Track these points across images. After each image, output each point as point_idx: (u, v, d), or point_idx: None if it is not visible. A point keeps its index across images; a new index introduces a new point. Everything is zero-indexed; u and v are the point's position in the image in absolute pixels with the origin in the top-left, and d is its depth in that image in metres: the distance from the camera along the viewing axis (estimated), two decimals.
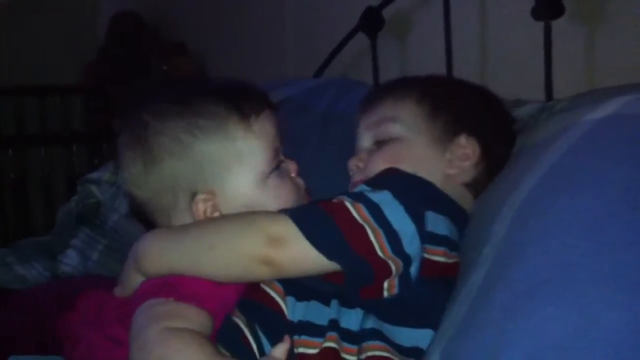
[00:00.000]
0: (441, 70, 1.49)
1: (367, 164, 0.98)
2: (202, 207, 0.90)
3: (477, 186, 0.96)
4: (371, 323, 0.83)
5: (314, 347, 0.83)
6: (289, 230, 0.81)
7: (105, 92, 2.75)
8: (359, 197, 0.84)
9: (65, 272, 1.53)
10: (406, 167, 0.93)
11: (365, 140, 1.01)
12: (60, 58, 3.03)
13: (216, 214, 0.90)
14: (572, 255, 0.70)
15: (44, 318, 0.97)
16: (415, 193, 0.87)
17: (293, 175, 0.97)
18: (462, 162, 0.96)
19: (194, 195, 0.90)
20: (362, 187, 0.87)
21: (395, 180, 0.88)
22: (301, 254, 0.81)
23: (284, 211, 0.85)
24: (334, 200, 0.85)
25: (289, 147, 0.99)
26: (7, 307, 1.06)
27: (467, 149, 0.96)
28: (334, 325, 0.84)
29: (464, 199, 0.95)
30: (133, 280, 0.89)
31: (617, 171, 0.75)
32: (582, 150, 0.81)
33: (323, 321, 0.84)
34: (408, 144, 0.97)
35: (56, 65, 3.01)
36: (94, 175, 1.63)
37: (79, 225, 1.59)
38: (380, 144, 0.98)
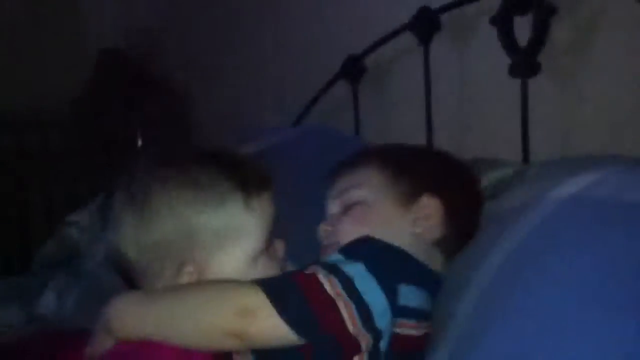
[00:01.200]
0: (421, 119, 1.51)
1: (336, 228, 1.00)
2: (187, 278, 0.89)
3: (447, 245, 0.98)
4: None
5: None
6: (260, 303, 0.81)
7: (91, 127, 2.75)
8: (332, 269, 0.84)
9: (42, 315, 1.52)
10: (374, 227, 0.95)
11: (333, 207, 1.02)
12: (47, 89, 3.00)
13: None
14: (531, 350, 0.71)
15: None
16: (389, 265, 0.87)
17: (280, 255, 0.96)
18: (426, 222, 0.97)
19: (181, 265, 0.89)
20: (337, 258, 0.88)
21: (369, 251, 0.89)
22: (271, 328, 0.81)
23: (256, 282, 0.85)
24: (307, 272, 0.85)
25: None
26: None
27: (429, 208, 0.98)
28: None
29: (434, 259, 0.97)
30: (103, 342, 0.88)
31: (576, 260, 0.77)
32: (543, 235, 0.83)
33: None
34: (373, 206, 0.99)
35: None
36: (74, 217, 1.63)
37: (56, 268, 1.59)
38: (347, 208, 1.00)
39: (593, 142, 1.25)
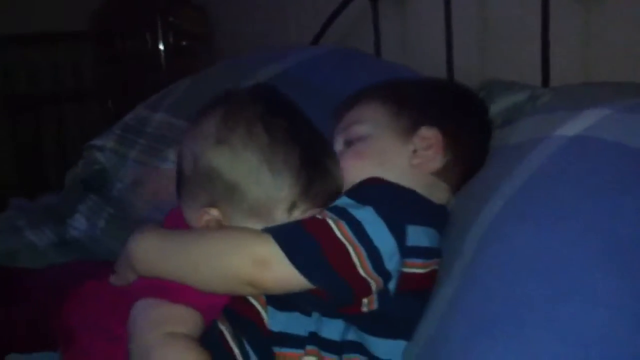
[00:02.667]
0: (441, 39, 1.49)
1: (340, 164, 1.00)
2: (206, 218, 0.92)
3: (449, 174, 0.99)
4: (352, 335, 0.87)
5: (295, 359, 0.87)
6: (273, 252, 0.84)
7: (112, 41, 2.75)
8: (341, 214, 0.86)
9: (73, 237, 1.58)
10: (374, 161, 0.97)
11: (337, 144, 1.04)
12: (68, 3, 3.00)
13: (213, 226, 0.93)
14: (526, 297, 0.73)
15: (41, 311, 1.01)
16: (397, 207, 0.89)
17: None
18: (425, 152, 0.98)
19: (210, 204, 0.92)
20: (345, 201, 0.89)
21: (377, 194, 0.90)
22: (285, 276, 0.84)
23: (268, 230, 0.87)
24: (317, 216, 0.87)
25: None
26: (5, 300, 1.10)
27: (428, 139, 0.98)
28: (313, 337, 0.88)
29: (436, 188, 0.98)
30: (128, 274, 0.93)
31: (575, 210, 0.78)
32: (546, 178, 0.83)
33: (303, 332, 0.88)
34: (374, 140, 0.99)
35: (64, 11, 2.98)
36: (98, 141, 1.64)
37: (85, 191, 1.63)
38: (349, 143, 1.01)
39: (617, 69, 1.22)
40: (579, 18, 1.30)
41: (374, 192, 0.91)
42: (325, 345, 0.87)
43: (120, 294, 0.93)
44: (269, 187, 0.91)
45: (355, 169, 0.96)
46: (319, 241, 0.84)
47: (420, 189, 0.94)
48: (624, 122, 0.85)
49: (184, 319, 0.86)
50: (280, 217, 0.91)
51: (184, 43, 2.60)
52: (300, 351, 0.87)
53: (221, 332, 0.89)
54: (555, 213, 0.78)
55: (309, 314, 0.89)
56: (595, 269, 0.72)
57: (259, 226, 0.90)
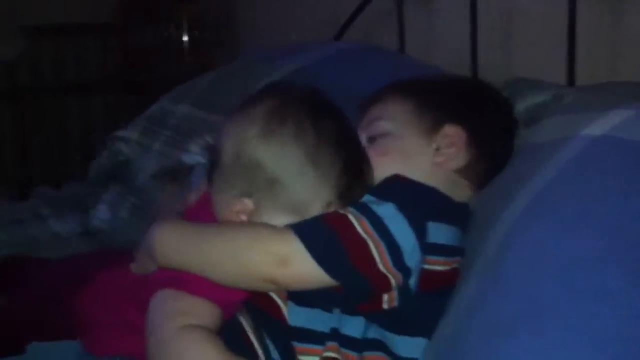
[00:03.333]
0: (466, 36, 1.49)
1: None
2: (239, 206, 0.92)
3: (471, 172, 0.98)
4: (373, 332, 0.87)
5: (314, 355, 0.88)
6: (296, 249, 0.84)
7: (123, 31, 2.77)
8: (363, 210, 0.87)
9: (97, 227, 1.60)
10: (397, 159, 0.97)
11: (361, 140, 1.03)
12: None
13: (242, 217, 0.92)
14: (545, 299, 0.73)
15: (61, 300, 1.01)
16: (418, 203, 0.89)
17: None
18: (447, 149, 0.98)
19: (246, 195, 0.92)
20: (367, 198, 0.90)
21: (399, 191, 0.91)
22: (306, 273, 0.84)
23: (290, 226, 0.87)
24: (340, 212, 0.88)
25: None
26: (26, 289, 1.11)
27: (451, 136, 0.98)
28: (335, 333, 0.88)
29: (457, 185, 0.97)
30: (146, 265, 0.94)
31: (599, 210, 0.77)
32: (571, 178, 0.83)
33: (324, 328, 0.88)
34: (396, 137, 0.99)
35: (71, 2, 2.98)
36: (123, 133, 1.66)
37: (109, 181, 1.65)
38: (372, 139, 1.01)
39: None
40: (605, 15, 1.29)
41: (396, 189, 0.92)
42: (346, 342, 0.88)
43: (140, 284, 0.94)
44: (310, 186, 0.91)
45: (379, 166, 0.96)
46: (340, 236, 0.84)
47: (442, 187, 0.94)
48: None
49: (201, 311, 0.86)
50: (314, 214, 0.91)
51: (206, 37, 2.61)
52: (320, 347, 0.87)
53: (241, 325, 0.90)
54: (579, 214, 0.78)
55: (330, 310, 0.89)
56: (620, 271, 0.72)
57: (289, 221, 0.89)
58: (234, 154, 0.93)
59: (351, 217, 0.86)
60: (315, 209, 0.91)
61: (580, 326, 0.70)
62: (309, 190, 0.91)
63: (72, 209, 1.64)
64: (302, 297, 0.89)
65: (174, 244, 0.91)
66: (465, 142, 0.98)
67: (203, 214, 0.97)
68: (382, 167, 0.96)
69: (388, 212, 0.86)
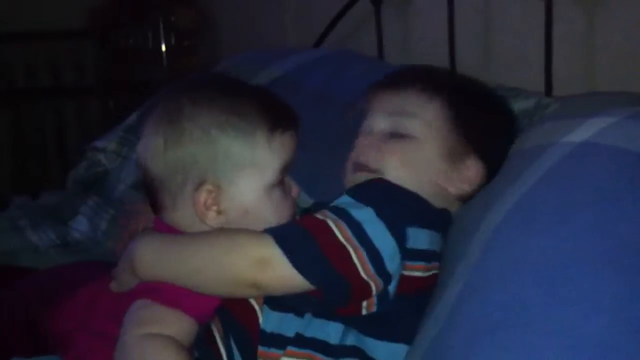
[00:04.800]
0: (444, 41, 1.48)
1: (381, 153, 0.97)
2: (204, 197, 0.92)
3: (468, 197, 0.98)
4: (351, 339, 0.86)
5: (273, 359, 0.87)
6: (274, 253, 0.84)
7: (110, 39, 2.75)
8: (341, 214, 0.86)
9: (75, 238, 1.58)
10: (410, 167, 0.95)
11: (381, 123, 0.99)
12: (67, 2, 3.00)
13: (214, 208, 0.92)
14: (528, 303, 0.73)
15: (40, 313, 1.00)
16: (397, 208, 0.88)
17: (294, 196, 0.99)
18: (462, 184, 0.96)
19: (201, 184, 0.92)
20: (345, 200, 0.89)
21: (378, 195, 0.90)
22: (286, 277, 0.84)
23: (267, 231, 0.87)
24: (318, 217, 0.87)
25: None
26: (4, 304, 1.10)
27: (472, 172, 0.96)
28: (298, 338, 0.87)
29: (447, 201, 0.97)
30: (128, 278, 0.93)
31: (579, 215, 0.77)
32: (552, 183, 0.83)
33: (290, 333, 0.87)
34: (420, 146, 0.96)
35: (63, 9, 2.98)
36: (100, 143, 1.65)
37: (87, 193, 1.63)
38: (394, 136, 0.98)
39: (620, 74, 1.22)
40: (581, 20, 1.29)
41: (376, 191, 0.91)
42: (322, 348, 0.86)
43: (119, 298, 0.93)
44: (244, 134, 0.91)
45: (382, 162, 0.95)
46: (320, 243, 0.84)
47: (431, 199, 0.93)
48: (629, 128, 0.85)
49: (172, 322, 0.86)
50: (262, 149, 0.92)
51: (185, 43, 2.60)
52: (281, 351, 0.87)
53: (211, 332, 0.90)
54: (559, 218, 0.78)
55: (301, 315, 0.89)
56: (599, 274, 0.72)
57: (258, 181, 0.91)
58: (161, 160, 0.93)
59: (330, 223, 0.85)
60: (260, 144, 0.92)
61: (560, 330, 0.69)
62: (247, 138, 0.92)
63: (50, 221, 1.62)
64: (275, 301, 0.89)
65: (155, 255, 0.90)
66: (482, 180, 0.97)
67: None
68: (385, 165, 0.96)
69: (367, 216, 0.85)
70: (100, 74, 2.91)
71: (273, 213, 0.94)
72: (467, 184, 0.97)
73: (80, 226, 1.59)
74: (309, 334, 0.87)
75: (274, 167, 0.94)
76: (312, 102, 1.34)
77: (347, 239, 0.84)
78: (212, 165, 0.91)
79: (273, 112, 0.94)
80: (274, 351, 0.87)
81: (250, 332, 0.89)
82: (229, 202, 0.93)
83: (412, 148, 0.96)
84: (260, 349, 0.88)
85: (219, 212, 0.92)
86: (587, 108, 0.93)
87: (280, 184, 0.96)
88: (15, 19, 2.85)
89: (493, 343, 0.72)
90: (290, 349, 0.87)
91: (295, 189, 0.99)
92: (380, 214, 0.85)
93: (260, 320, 0.89)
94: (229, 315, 0.90)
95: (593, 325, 0.69)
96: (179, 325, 0.86)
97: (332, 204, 0.90)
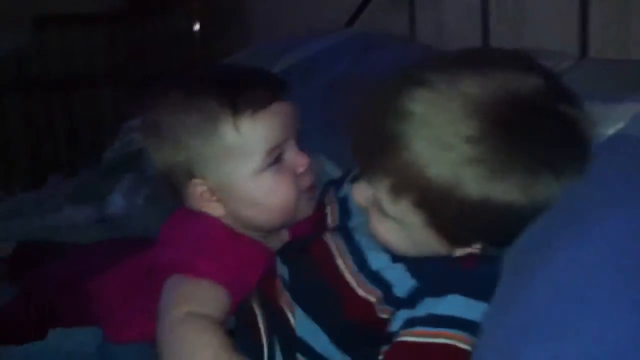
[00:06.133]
0: (477, 21, 1.48)
1: (374, 228, 0.82)
2: (199, 190, 0.94)
3: None
4: None
5: None
6: None
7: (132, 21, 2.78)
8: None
9: (112, 215, 1.61)
10: (406, 242, 0.80)
11: (364, 192, 0.81)
12: None
13: (213, 199, 0.94)
14: (558, 309, 0.67)
15: (79, 287, 1.03)
16: None
17: (301, 170, 0.95)
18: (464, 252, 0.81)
19: (192, 181, 0.94)
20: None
21: None
22: None
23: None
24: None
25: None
26: (44, 276, 1.13)
27: (472, 251, 0.80)
28: None
29: None
30: None
31: (611, 220, 0.70)
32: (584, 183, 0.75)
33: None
34: (412, 231, 0.79)
35: None
36: (136, 122, 1.68)
37: (122, 171, 1.66)
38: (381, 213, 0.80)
39: None
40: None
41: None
42: None
43: (153, 271, 0.96)
44: (205, 130, 0.92)
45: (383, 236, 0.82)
46: None
47: None
48: None
49: (207, 297, 0.88)
50: (232, 137, 0.91)
51: (216, 26, 2.62)
52: None
53: (254, 314, 0.89)
54: (593, 218, 0.71)
55: None
56: (618, 283, 0.66)
57: (238, 167, 0.92)
58: (159, 165, 0.97)
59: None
60: (247, 160, 0.91)
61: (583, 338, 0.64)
62: (212, 131, 0.91)
63: (86, 197, 1.65)
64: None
65: None
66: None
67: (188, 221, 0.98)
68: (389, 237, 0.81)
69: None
70: (130, 60, 2.94)
71: (268, 196, 0.93)
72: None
73: (116, 203, 1.62)
74: None
75: (256, 151, 0.91)
76: (322, 92, 1.33)
77: None
78: (195, 164, 0.93)
79: (237, 95, 0.91)
80: None
81: (291, 331, 0.87)
82: (222, 193, 0.94)
83: (404, 233, 0.81)
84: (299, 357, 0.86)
85: (219, 201, 0.95)
86: (620, 87, 0.88)
87: (275, 163, 0.93)
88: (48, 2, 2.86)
89: (526, 347, 0.65)
90: None
91: (302, 162, 0.94)
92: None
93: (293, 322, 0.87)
94: (271, 307, 0.89)
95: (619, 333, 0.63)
96: (213, 298, 0.89)
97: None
